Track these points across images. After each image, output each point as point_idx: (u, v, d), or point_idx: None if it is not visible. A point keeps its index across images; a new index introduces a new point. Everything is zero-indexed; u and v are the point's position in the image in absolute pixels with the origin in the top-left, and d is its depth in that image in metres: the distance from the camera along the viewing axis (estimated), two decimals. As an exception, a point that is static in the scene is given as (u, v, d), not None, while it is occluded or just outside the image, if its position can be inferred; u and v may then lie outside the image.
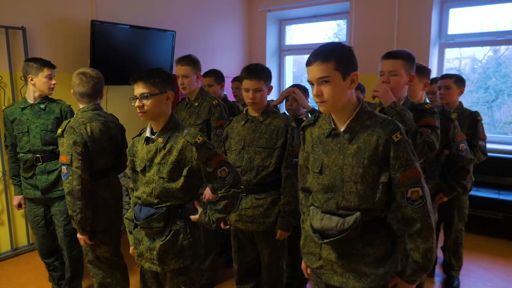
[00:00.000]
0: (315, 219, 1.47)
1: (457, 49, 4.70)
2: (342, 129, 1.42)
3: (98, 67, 3.48)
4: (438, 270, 3.17)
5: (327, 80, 1.34)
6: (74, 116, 2.19)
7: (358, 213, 1.37)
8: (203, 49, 4.92)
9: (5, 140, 2.66)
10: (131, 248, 1.91)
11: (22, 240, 3.50)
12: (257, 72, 2.12)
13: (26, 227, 3.49)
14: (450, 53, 4.74)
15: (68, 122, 2.12)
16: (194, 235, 1.79)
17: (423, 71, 2.23)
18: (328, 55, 1.34)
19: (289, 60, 5.79)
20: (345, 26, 5.18)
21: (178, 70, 2.72)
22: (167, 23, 4.35)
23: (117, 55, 3.80)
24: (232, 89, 3.80)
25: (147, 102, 1.67)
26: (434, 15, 4.31)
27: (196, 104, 2.75)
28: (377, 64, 2.12)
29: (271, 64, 5.61)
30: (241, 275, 2.39)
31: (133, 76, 1.72)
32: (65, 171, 2.06)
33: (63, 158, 2.07)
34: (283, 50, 5.70)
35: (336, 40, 5.29)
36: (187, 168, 1.72)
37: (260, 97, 2.13)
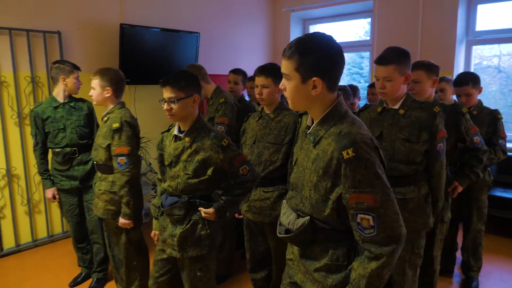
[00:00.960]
0: (282, 211, 1.43)
1: (496, 45, 4.53)
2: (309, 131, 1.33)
3: (126, 67, 3.72)
4: (456, 271, 3.13)
5: (288, 78, 1.25)
6: (112, 113, 2.37)
7: (308, 218, 1.30)
8: (227, 50, 5.08)
9: (35, 138, 2.84)
10: (153, 232, 2.09)
11: (57, 228, 3.79)
12: (265, 70, 2.24)
13: (60, 216, 3.77)
14: (489, 50, 4.60)
15: (121, 118, 2.31)
16: (211, 226, 1.92)
17: (431, 68, 2.24)
18: (293, 52, 1.21)
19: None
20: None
21: None
22: (191, 25, 4.53)
23: (143, 56, 4.02)
24: (247, 88, 3.92)
25: (174, 106, 1.81)
26: (461, 11, 4.23)
27: (211, 103, 2.92)
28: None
29: (295, 63, 5.66)
30: (253, 264, 2.50)
31: (161, 80, 1.85)
32: (125, 161, 2.23)
33: (123, 149, 2.23)
34: (307, 49, 5.74)
35: (367, 38, 5.24)
36: (212, 168, 1.86)
37: (267, 94, 2.23)
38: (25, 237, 3.58)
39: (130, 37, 3.84)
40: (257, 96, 2.26)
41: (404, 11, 4.49)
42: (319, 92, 1.22)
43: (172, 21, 4.38)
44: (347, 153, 1.16)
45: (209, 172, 1.86)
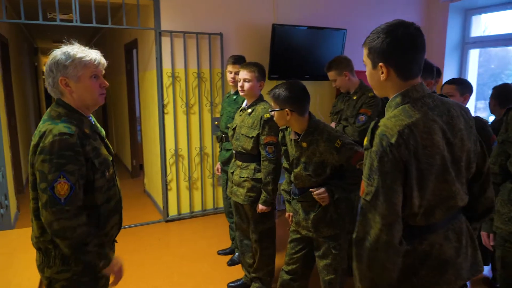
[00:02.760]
0: None
1: None
2: None
3: (275, 64, 4.04)
4: None
5: (365, 65, 1.34)
6: (258, 105, 2.53)
7: None
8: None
9: None
10: (287, 214, 2.28)
11: (210, 204, 4.37)
12: None
13: (212, 194, 4.34)
14: None
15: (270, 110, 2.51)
16: (341, 209, 2.05)
17: None
18: (366, 39, 1.35)
19: (474, 54, 5.21)
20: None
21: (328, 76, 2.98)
22: (338, 22, 4.60)
23: (291, 53, 4.26)
24: None
25: (274, 114, 2.04)
26: None
27: (355, 97, 2.92)
28: None
29: (451, 59, 5.17)
30: None
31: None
32: (272, 150, 2.42)
33: (273, 138, 2.41)
34: (467, 43, 5.16)
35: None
36: (330, 167, 1.98)
37: None
38: (185, 208, 4.24)
39: (280, 36, 4.14)
40: None
41: None
42: (386, 77, 1.23)
43: (321, 19, 4.52)
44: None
45: (328, 170, 1.97)
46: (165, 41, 3.89)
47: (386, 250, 1.16)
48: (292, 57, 4.29)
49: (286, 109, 1.97)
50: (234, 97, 3.15)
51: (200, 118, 4.14)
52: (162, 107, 3.96)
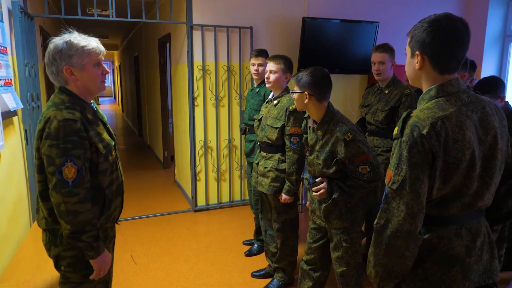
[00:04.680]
0: None
1: None
2: None
3: (305, 57, 4.02)
4: None
5: (406, 54, 1.35)
6: (283, 97, 2.56)
7: None
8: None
9: None
10: (308, 202, 2.29)
11: (237, 195, 4.44)
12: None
13: (240, 185, 4.41)
14: None
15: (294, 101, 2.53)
16: (351, 204, 2.04)
17: None
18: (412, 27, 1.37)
19: (516, 46, 4.96)
20: None
21: (374, 57, 2.88)
22: (371, 15, 4.52)
23: (322, 46, 4.24)
24: None
25: (294, 96, 2.09)
26: None
27: (387, 91, 2.86)
28: None
29: (490, 52, 4.95)
30: None
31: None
32: (297, 140, 2.45)
33: (298, 129, 2.45)
34: (509, 35, 4.92)
35: None
36: (335, 160, 1.96)
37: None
38: (213, 199, 4.34)
39: (310, 29, 4.11)
40: None
41: None
42: (420, 66, 1.23)
43: (352, 12, 4.46)
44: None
45: (334, 164, 1.96)
46: (197, 35, 3.96)
47: (407, 239, 1.18)
48: (322, 50, 4.25)
49: (306, 93, 2.01)
50: (257, 89, 3.20)
51: (229, 111, 4.20)
52: (192, 99, 4.05)
